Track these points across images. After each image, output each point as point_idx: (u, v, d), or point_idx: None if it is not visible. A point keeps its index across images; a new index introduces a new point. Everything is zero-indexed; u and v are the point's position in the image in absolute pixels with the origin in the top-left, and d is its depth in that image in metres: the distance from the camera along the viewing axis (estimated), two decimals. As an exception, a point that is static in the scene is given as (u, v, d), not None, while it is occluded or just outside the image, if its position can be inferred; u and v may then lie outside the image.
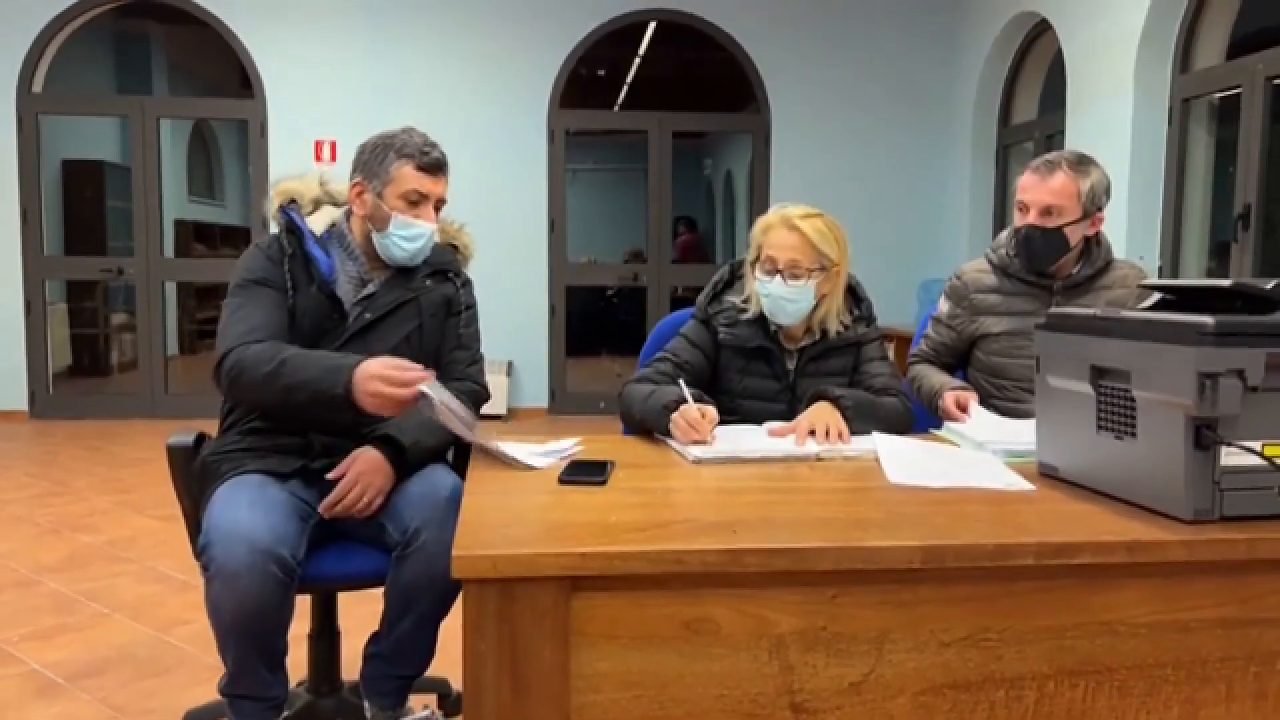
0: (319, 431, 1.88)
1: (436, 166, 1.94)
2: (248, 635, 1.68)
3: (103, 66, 8.81)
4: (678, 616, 1.19)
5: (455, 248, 2.15)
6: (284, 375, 1.74)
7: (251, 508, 1.68)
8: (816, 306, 2.03)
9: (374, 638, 1.87)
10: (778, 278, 1.97)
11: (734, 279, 2.13)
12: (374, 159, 1.94)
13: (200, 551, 1.67)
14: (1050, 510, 1.37)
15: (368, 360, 1.69)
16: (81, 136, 8.19)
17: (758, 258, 2.03)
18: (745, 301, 2.07)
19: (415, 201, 1.93)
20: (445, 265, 2.07)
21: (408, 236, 1.93)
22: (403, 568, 1.75)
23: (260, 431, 1.89)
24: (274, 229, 2.02)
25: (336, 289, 1.94)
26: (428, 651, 1.85)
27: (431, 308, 2.02)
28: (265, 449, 1.86)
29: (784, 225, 2.00)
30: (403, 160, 1.92)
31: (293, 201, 2.01)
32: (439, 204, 1.98)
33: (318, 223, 2.00)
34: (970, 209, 6.52)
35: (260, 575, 1.61)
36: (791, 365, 2.07)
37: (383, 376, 1.65)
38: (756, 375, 2.06)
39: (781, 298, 1.98)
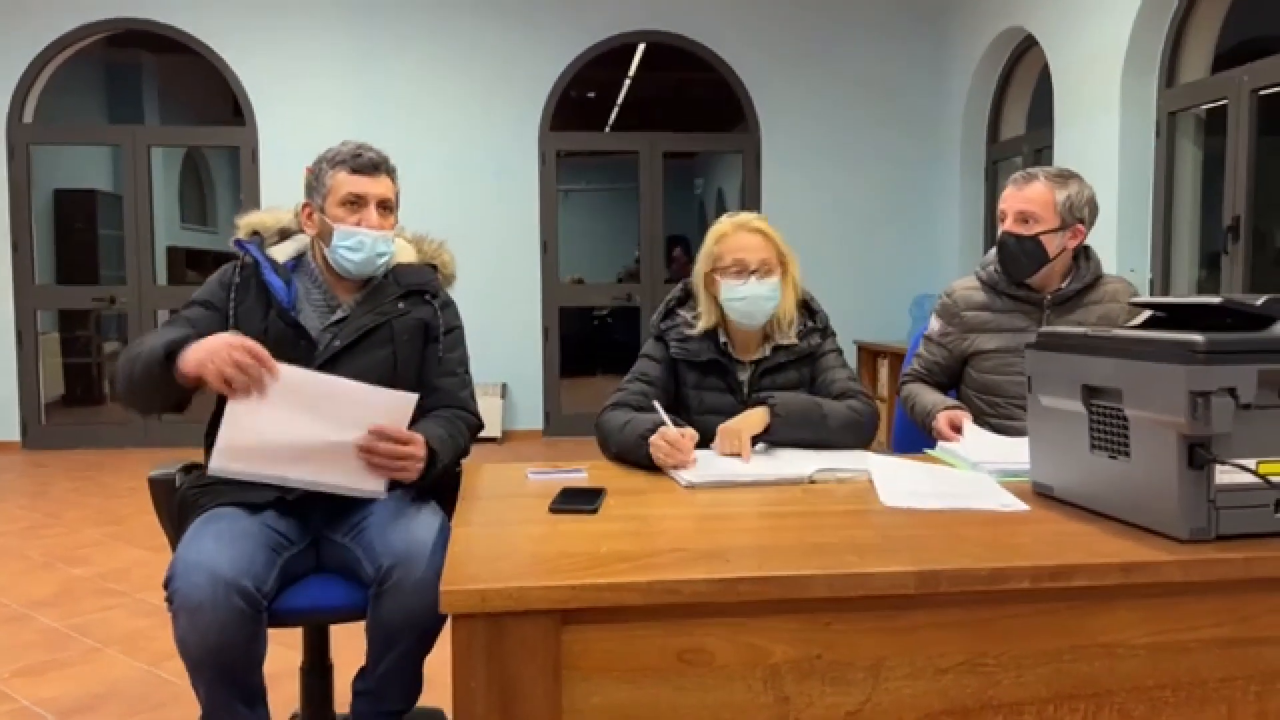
0: None
1: (371, 166, 1.91)
2: (216, 670, 1.63)
3: (94, 96, 8.83)
4: (671, 647, 1.17)
5: (435, 267, 2.10)
6: (140, 345, 1.74)
7: (218, 540, 1.66)
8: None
9: (360, 673, 1.84)
10: (752, 278, 2.00)
11: (687, 296, 2.15)
12: (314, 178, 1.94)
13: (165, 585, 1.64)
14: (1045, 531, 1.36)
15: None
16: (73, 166, 8.19)
17: (714, 269, 2.05)
18: (695, 317, 2.09)
19: (354, 203, 1.89)
20: (421, 286, 2.01)
21: (350, 246, 1.89)
22: (379, 605, 1.71)
23: None
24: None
25: (301, 317, 1.91)
26: (413, 687, 1.81)
27: (406, 333, 1.96)
28: (242, 482, 1.82)
29: (744, 229, 2.06)
30: (336, 168, 1.91)
31: (255, 234, 1.99)
32: (384, 205, 1.93)
33: (283, 252, 1.98)
34: (960, 225, 6.55)
35: (223, 608, 1.58)
36: (745, 378, 2.08)
37: (243, 345, 1.62)
38: (712, 390, 2.07)
39: (761, 297, 2.01)
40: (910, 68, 6.77)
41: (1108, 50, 4.80)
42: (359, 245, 1.89)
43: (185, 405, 1.82)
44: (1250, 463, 1.26)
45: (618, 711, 1.17)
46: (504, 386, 6.53)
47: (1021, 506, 1.47)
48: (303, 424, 1.68)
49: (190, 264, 9.68)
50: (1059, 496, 1.50)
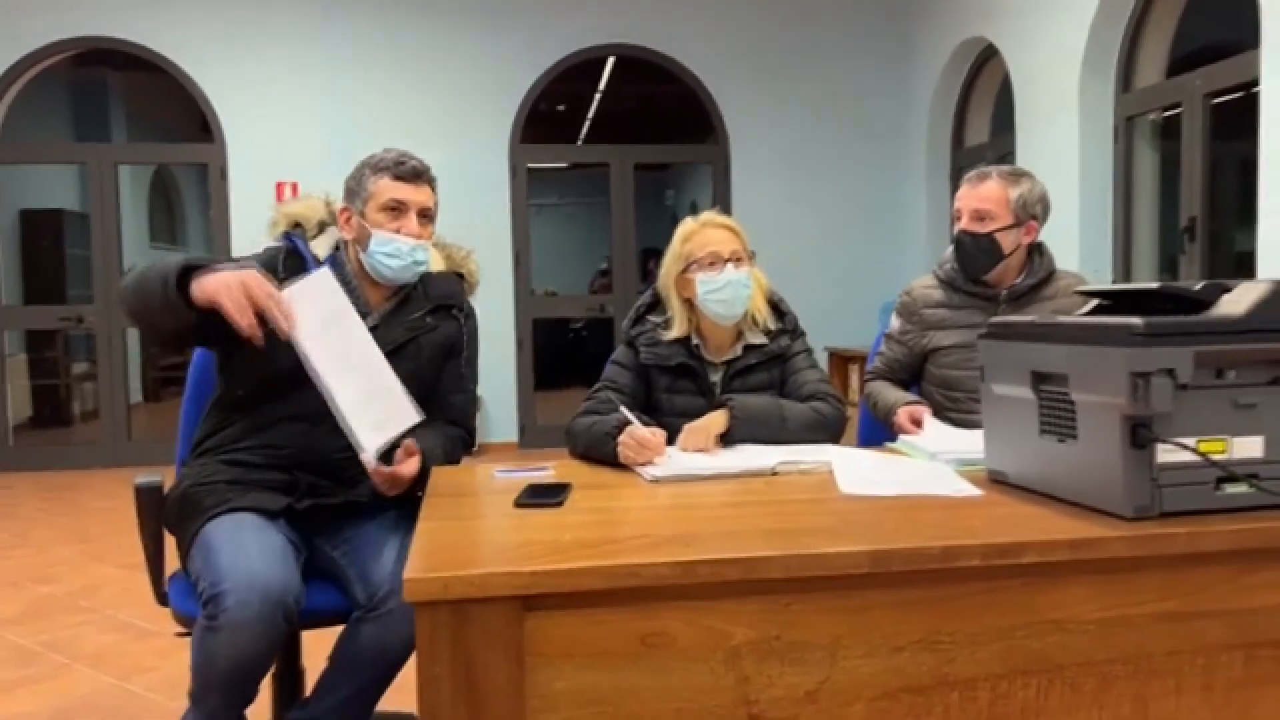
0: (304, 470, 1.85)
1: (414, 174, 1.93)
2: (234, 686, 1.62)
3: (60, 115, 8.77)
4: (633, 631, 1.19)
5: (461, 276, 2.12)
6: (158, 263, 1.70)
7: (263, 555, 1.63)
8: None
9: (299, 704, 1.81)
10: (728, 266, 2.03)
11: (657, 301, 2.17)
12: (354, 181, 1.95)
13: (208, 599, 1.58)
14: (997, 514, 1.39)
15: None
16: (39, 186, 8.13)
17: (686, 267, 2.07)
18: (665, 323, 2.11)
19: (395, 209, 1.91)
20: (449, 299, 2.04)
21: (389, 253, 1.90)
22: (360, 630, 1.70)
23: (244, 464, 1.84)
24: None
25: None
26: None
27: (430, 348, 1.98)
28: (250, 483, 1.81)
29: (711, 225, 2.11)
30: (379, 174, 1.92)
31: (298, 226, 1.99)
32: (424, 214, 1.95)
33: (322, 247, 1.98)
34: (927, 231, 6.63)
35: (268, 625, 1.57)
36: (716, 379, 2.10)
37: (254, 288, 1.61)
38: (683, 393, 2.09)
39: (740, 283, 2.03)
40: (875, 78, 6.87)
41: (1064, 57, 4.90)
42: (397, 252, 1.90)
43: (186, 342, 1.80)
44: (1190, 441, 1.31)
45: (581, 695, 1.18)
46: (479, 399, 6.52)
47: (976, 492, 1.50)
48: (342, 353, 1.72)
49: (160, 283, 9.61)
50: (1013, 481, 1.54)
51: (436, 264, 2.07)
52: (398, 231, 1.90)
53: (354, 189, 1.95)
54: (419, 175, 1.94)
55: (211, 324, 1.68)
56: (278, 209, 2.02)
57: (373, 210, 1.91)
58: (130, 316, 1.74)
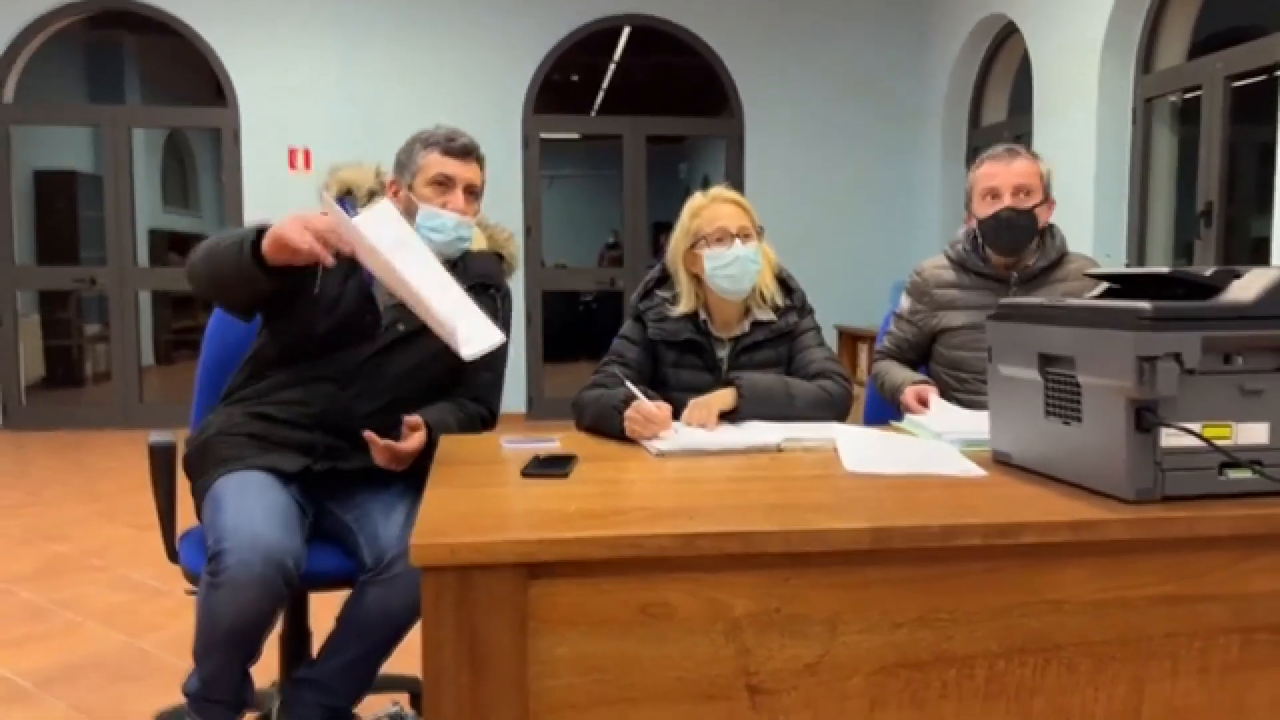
0: (325, 431, 1.87)
1: (463, 151, 1.97)
2: (236, 644, 1.66)
3: (75, 76, 8.78)
4: (635, 601, 1.21)
5: (501, 257, 2.14)
6: (226, 235, 1.76)
7: (268, 516, 1.66)
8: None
9: (307, 663, 1.84)
10: (736, 242, 2.03)
11: (666, 276, 2.17)
12: (404, 155, 1.98)
13: (212, 555, 1.61)
14: (999, 494, 1.40)
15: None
16: (53, 147, 8.15)
17: (695, 243, 2.07)
18: (673, 298, 2.11)
19: (442, 184, 1.94)
20: (487, 278, 2.05)
21: (434, 228, 1.92)
22: (367, 593, 1.73)
23: (269, 418, 1.86)
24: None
25: (375, 289, 1.93)
26: (365, 686, 1.80)
27: None
28: (271, 440, 1.84)
29: (720, 200, 2.11)
30: (429, 149, 1.95)
31: (349, 193, 2.01)
32: (471, 190, 1.98)
33: None
34: (941, 210, 6.60)
35: (268, 587, 1.59)
36: (723, 355, 2.10)
37: (314, 220, 1.65)
38: (689, 368, 2.10)
39: (747, 259, 2.04)
40: (893, 54, 6.81)
41: (1085, 36, 4.84)
42: (441, 227, 1.93)
43: (253, 309, 1.87)
44: (1195, 426, 1.31)
45: (583, 662, 1.20)
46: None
47: (979, 472, 1.51)
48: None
49: (173, 246, 9.63)
50: (1016, 463, 1.54)
51: (478, 243, 2.09)
52: (444, 206, 1.93)
53: (404, 162, 1.97)
54: (468, 152, 1.98)
55: (278, 290, 1.76)
56: (330, 171, 2.05)
57: (421, 184, 1.94)
58: (200, 287, 1.81)
